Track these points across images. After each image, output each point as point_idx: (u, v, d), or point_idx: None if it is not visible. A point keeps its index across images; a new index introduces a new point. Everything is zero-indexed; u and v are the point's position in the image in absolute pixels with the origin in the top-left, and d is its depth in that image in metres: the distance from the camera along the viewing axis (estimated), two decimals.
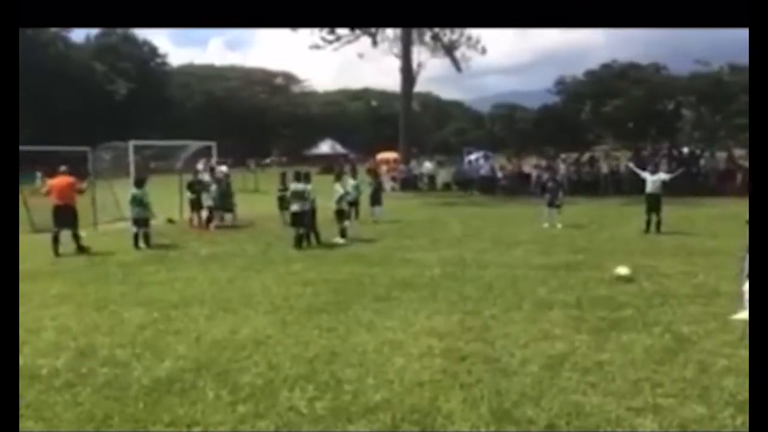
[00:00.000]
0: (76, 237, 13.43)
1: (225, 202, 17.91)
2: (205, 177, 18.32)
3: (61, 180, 13.63)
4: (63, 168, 13.96)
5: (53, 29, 60.68)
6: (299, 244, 13.35)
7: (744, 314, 7.24)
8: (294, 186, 13.91)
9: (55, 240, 13.08)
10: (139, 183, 14.38)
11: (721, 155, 31.06)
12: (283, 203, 17.30)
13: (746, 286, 7.23)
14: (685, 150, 32.43)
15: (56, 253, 12.92)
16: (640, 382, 5.46)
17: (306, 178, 14.09)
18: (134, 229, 13.89)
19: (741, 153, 30.03)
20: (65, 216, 13.29)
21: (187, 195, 17.69)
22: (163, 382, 5.67)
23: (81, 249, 13.30)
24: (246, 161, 33.37)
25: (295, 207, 13.59)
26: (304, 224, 13.55)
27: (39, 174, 30.38)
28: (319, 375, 5.76)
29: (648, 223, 15.06)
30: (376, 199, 18.84)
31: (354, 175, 19.67)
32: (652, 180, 15.53)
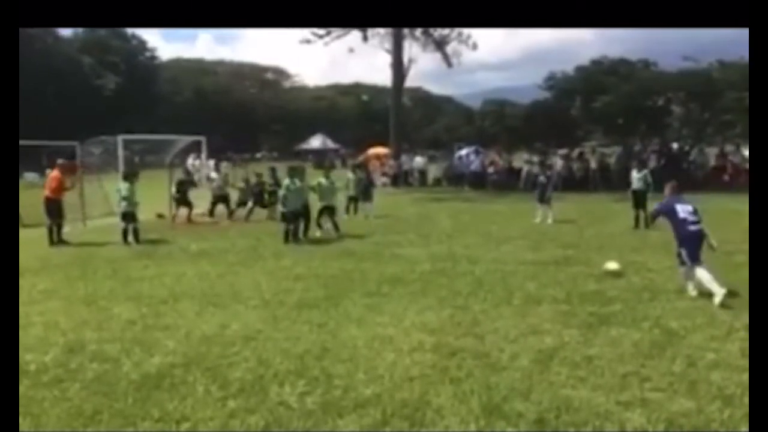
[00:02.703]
0: (57, 229, 14.03)
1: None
2: (212, 174, 18.74)
3: (52, 174, 14.55)
4: (59, 161, 14.94)
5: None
6: (287, 239, 13.40)
7: (690, 287, 8.36)
8: (288, 182, 13.94)
9: (50, 231, 13.88)
10: (127, 177, 14.29)
11: (710, 151, 31.22)
12: (273, 198, 17.28)
13: (681, 270, 8.61)
14: (675, 146, 32.56)
15: (50, 244, 13.69)
16: (628, 377, 5.49)
17: (301, 174, 14.37)
18: (123, 225, 13.82)
19: (729, 149, 30.21)
20: (51, 208, 14.06)
21: (173, 191, 17.65)
22: (152, 377, 5.65)
23: (53, 241, 13.88)
24: (230, 156, 33.11)
25: (291, 204, 13.67)
26: (296, 221, 13.66)
27: (33, 175, 30.00)
28: (310, 370, 5.76)
29: (636, 218, 15.15)
30: (366, 195, 18.83)
31: (353, 170, 19.78)
32: (637, 177, 15.67)
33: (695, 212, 8.70)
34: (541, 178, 17.60)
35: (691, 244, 8.43)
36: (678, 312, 7.55)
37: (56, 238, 13.89)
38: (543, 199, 16.92)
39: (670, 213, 8.78)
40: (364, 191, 18.80)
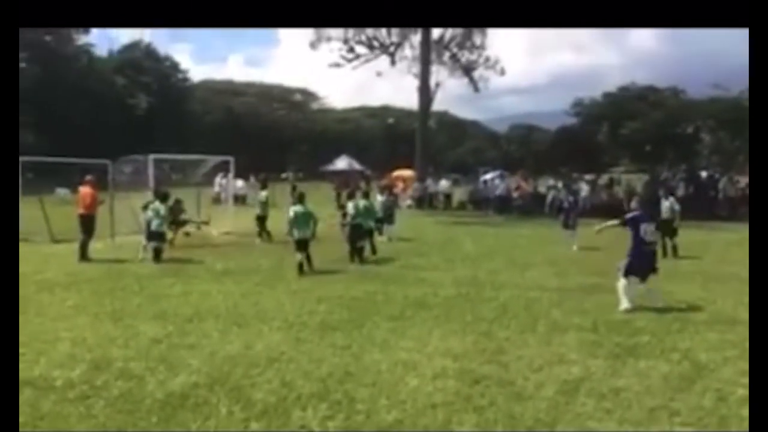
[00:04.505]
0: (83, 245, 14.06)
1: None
2: (262, 194, 18.49)
3: (83, 191, 14.60)
4: (88, 177, 14.98)
5: (79, 42, 61.91)
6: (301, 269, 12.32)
7: (624, 305, 9.07)
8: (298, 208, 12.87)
9: (81, 247, 13.92)
10: (162, 197, 14.47)
11: (742, 180, 30.72)
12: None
13: (620, 283, 9.35)
14: (704, 174, 32.19)
15: (81, 259, 13.69)
16: (657, 410, 5.38)
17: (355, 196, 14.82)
18: (153, 243, 13.92)
19: None
20: (84, 224, 14.18)
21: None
22: (176, 396, 5.68)
23: (84, 257, 13.88)
24: (249, 176, 32.91)
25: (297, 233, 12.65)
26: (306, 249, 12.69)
27: (64, 191, 30.39)
28: (332, 394, 5.75)
29: (664, 247, 14.92)
30: (389, 218, 18.88)
31: (382, 191, 19.82)
32: (665, 206, 15.45)
33: (655, 233, 9.67)
34: (565, 204, 17.51)
35: (643, 261, 9.42)
36: (708, 344, 7.39)
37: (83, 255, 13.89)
38: (567, 225, 16.80)
39: (633, 227, 9.54)
40: (388, 214, 18.86)
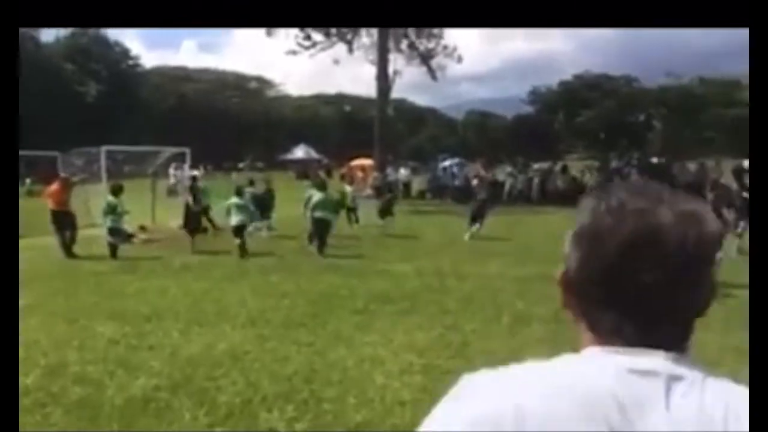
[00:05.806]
0: (65, 240, 13.71)
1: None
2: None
3: (55, 187, 14.45)
4: (63, 175, 15.08)
5: (24, 28, 59.65)
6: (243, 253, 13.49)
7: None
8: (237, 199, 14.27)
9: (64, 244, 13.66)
10: (116, 191, 14.07)
11: (691, 166, 31.66)
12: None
13: None
14: (655, 161, 33.05)
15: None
16: None
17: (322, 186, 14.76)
18: (109, 239, 13.55)
19: (709, 164, 30.61)
20: (58, 221, 13.96)
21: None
22: (137, 401, 5.51)
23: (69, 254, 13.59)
24: (199, 166, 32.08)
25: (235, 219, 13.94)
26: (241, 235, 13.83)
27: (27, 180, 29.54)
28: (298, 393, 5.66)
29: None
30: (388, 211, 18.81)
31: (351, 182, 19.76)
32: None
33: None
34: (482, 195, 17.42)
35: None
36: None
37: (66, 251, 13.57)
38: (475, 218, 16.57)
39: None
40: (386, 207, 18.55)
